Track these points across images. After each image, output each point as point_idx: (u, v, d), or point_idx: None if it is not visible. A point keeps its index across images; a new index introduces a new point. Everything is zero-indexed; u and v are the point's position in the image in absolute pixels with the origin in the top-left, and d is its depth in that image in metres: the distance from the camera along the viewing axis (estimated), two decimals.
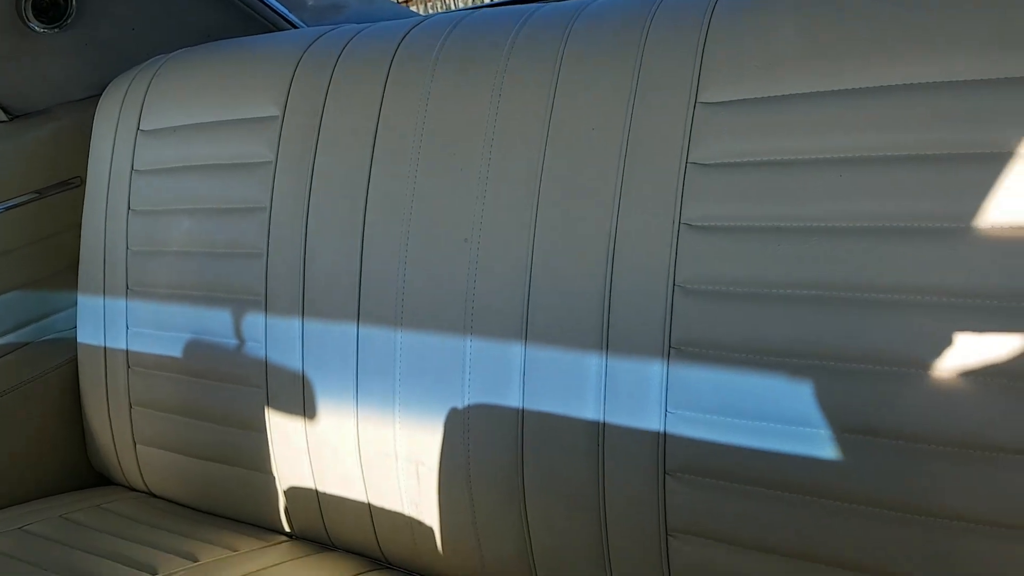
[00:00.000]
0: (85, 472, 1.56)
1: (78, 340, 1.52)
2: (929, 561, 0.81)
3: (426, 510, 1.12)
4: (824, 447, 0.86)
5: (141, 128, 1.43)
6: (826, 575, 0.86)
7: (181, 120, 1.38)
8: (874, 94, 0.83)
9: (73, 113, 1.56)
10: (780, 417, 0.88)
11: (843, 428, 0.85)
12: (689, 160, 0.93)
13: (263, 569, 1.17)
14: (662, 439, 0.93)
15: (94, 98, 1.55)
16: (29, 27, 1.50)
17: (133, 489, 1.50)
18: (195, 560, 1.19)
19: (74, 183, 1.57)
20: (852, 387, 0.84)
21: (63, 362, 1.54)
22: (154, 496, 1.47)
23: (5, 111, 1.52)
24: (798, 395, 0.87)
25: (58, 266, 1.56)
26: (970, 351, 0.79)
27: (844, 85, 0.85)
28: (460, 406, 1.07)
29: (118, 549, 1.24)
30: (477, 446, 1.06)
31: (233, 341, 1.29)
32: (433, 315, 1.09)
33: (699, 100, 0.93)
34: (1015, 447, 0.78)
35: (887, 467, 0.83)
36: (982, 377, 0.79)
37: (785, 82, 0.88)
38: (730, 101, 0.92)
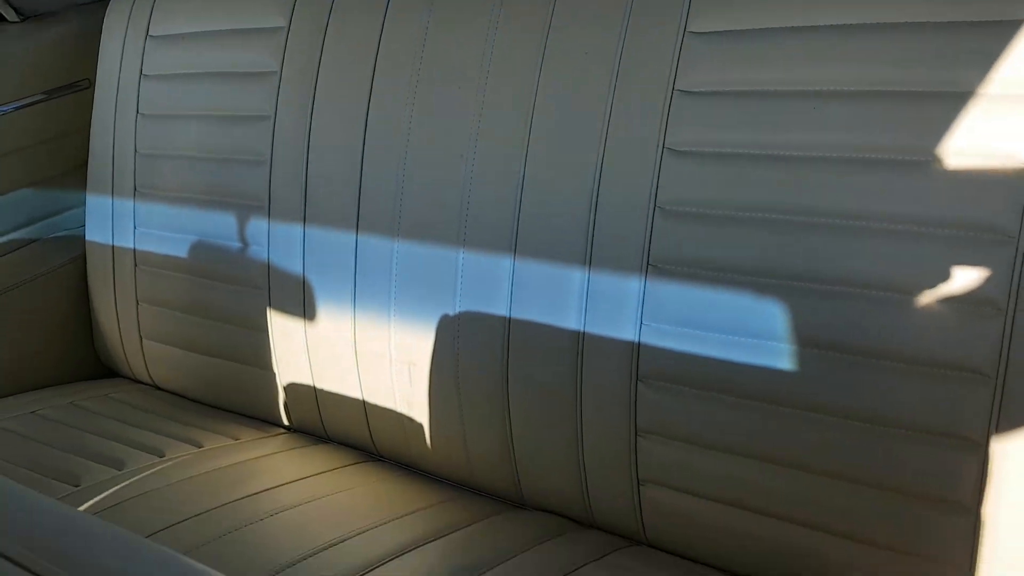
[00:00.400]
0: (93, 364, 1.64)
1: (86, 238, 1.57)
2: (875, 465, 0.89)
3: (417, 407, 1.20)
4: (785, 359, 0.93)
5: (150, 34, 1.47)
6: (780, 475, 0.94)
7: (190, 27, 1.42)
8: (849, 32, 0.88)
9: (82, 16, 1.59)
10: (746, 331, 0.94)
11: (804, 343, 0.92)
12: (676, 87, 0.98)
13: (263, 456, 1.26)
14: (636, 348, 1.00)
15: (103, 2, 1.57)
16: None
17: (138, 382, 1.58)
18: (199, 446, 1.28)
19: (82, 85, 1.61)
20: (815, 305, 0.91)
21: (72, 259, 1.60)
22: (159, 388, 1.55)
23: (16, 11, 1.55)
24: (765, 311, 0.94)
25: (67, 166, 1.61)
26: (928, 276, 0.85)
27: (822, 22, 0.90)
28: (452, 312, 1.14)
29: (126, 434, 1.32)
30: (466, 350, 1.13)
31: (237, 244, 1.35)
32: (429, 227, 1.15)
33: (688, 29, 0.98)
34: (960, 364, 0.85)
35: (843, 379, 0.90)
36: (937, 300, 0.85)
37: (769, 16, 0.93)
38: (717, 32, 0.96)
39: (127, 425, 1.35)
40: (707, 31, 0.97)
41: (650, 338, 1.00)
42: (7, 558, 0.36)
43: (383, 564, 0.97)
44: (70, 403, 1.45)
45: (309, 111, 1.26)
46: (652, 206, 0.99)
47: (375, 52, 1.21)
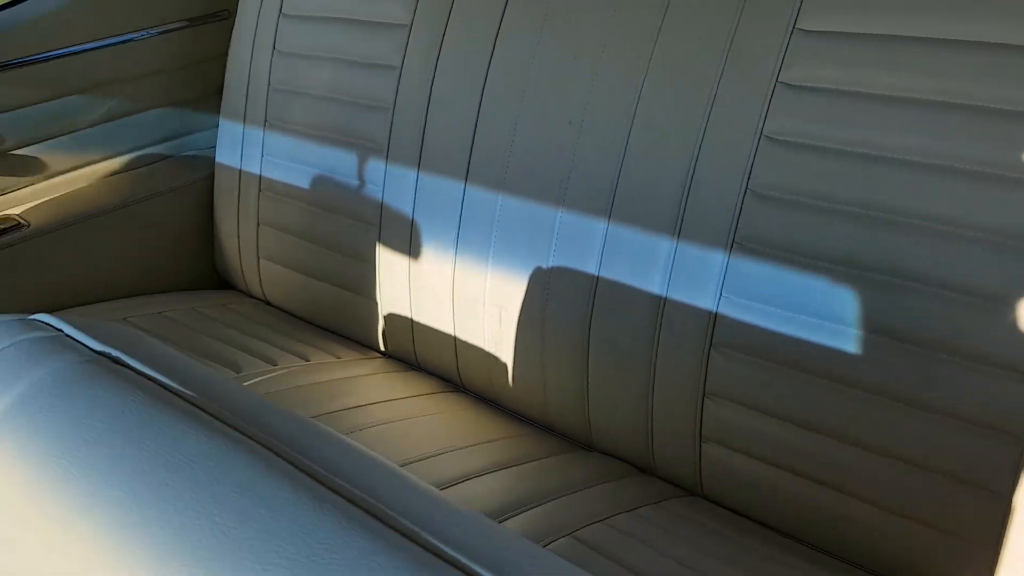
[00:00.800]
0: (210, 277, 1.78)
1: (216, 160, 1.71)
2: (925, 449, 0.96)
3: (503, 349, 1.31)
4: (850, 342, 1.00)
5: None
6: (836, 448, 1.02)
7: None
8: (940, 45, 0.94)
9: None
10: (817, 313, 1.02)
11: (874, 330, 0.99)
12: (779, 79, 1.05)
13: (362, 376, 1.39)
14: (713, 317, 1.09)
15: None
16: None
17: (252, 296, 1.73)
18: (307, 360, 1.41)
19: (222, 15, 1.73)
20: (885, 296, 0.98)
21: (201, 178, 1.73)
22: (270, 305, 1.69)
23: None
24: (837, 296, 1.01)
25: (202, 91, 1.74)
26: (994, 281, 0.92)
27: (919, 33, 0.95)
28: (544, 266, 1.24)
29: (243, 342, 1.46)
30: (554, 302, 1.23)
31: (355, 181, 1.47)
32: (532, 185, 1.25)
33: (797, 27, 1.04)
34: (1006, 363, 0.91)
35: (901, 366, 0.97)
36: (1003, 305, 0.91)
37: (872, 22, 0.98)
38: (824, 31, 1.02)
39: (243, 334, 1.49)
40: (815, 30, 1.03)
41: (728, 310, 1.08)
42: (210, 413, 0.48)
43: (464, 481, 1.09)
44: (192, 308, 1.60)
45: (434, 65, 1.36)
46: (744, 188, 1.06)
47: (501, 15, 1.30)
